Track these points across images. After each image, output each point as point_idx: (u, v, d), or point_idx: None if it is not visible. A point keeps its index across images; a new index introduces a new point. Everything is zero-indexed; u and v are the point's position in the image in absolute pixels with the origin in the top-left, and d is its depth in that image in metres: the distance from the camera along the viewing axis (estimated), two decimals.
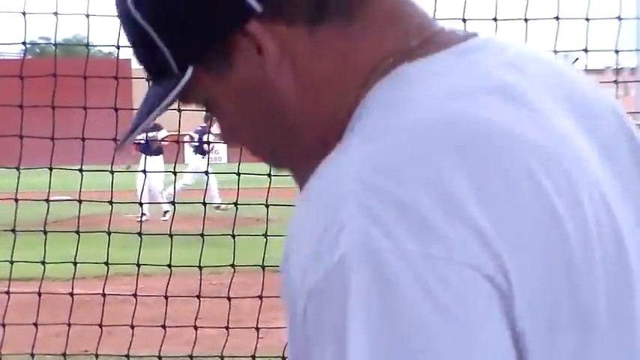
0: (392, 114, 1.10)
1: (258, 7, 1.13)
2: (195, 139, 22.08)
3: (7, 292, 6.29)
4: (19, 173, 6.14)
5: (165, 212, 21.63)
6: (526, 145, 1.07)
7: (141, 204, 19.04)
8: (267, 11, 1.13)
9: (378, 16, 1.19)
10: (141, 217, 18.13)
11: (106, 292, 6.26)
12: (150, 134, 21.40)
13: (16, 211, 6.18)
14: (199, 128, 21.88)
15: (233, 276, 6.34)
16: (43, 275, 6.36)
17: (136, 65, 1.27)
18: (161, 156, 22.84)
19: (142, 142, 21.08)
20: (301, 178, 1.20)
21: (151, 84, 1.24)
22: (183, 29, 1.15)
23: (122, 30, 1.22)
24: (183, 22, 1.15)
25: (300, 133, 1.21)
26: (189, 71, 1.18)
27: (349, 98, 1.17)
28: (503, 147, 1.05)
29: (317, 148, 1.17)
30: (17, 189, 6.25)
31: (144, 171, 8.04)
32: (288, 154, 1.26)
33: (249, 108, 1.21)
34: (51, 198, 6.47)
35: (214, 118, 1.26)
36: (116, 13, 1.22)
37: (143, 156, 20.99)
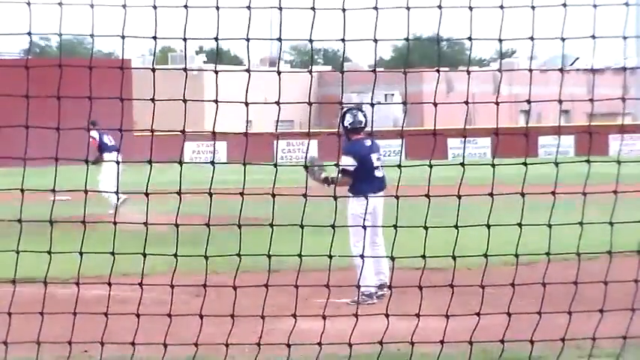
0: None
1: None
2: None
3: (12, 295, 6.30)
4: (24, 174, 6.15)
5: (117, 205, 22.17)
6: None
7: (117, 193, 19.32)
8: None
9: None
10: (117, 202, 18.79)
11: (108, 293, 6.26)
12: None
13: (20, 214, 6.18)
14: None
15: (236, 275, 6.35)
16: (47, 276, 6.38)
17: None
18: (114, 153, 23.11)
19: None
20: None
21: None
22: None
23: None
24: None
25: None
26: None
27: None
28: None
29: None
30: (22, 190, 6.26)
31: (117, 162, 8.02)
32: None
33: None
34: (51, 197, 6.47)
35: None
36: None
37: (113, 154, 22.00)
